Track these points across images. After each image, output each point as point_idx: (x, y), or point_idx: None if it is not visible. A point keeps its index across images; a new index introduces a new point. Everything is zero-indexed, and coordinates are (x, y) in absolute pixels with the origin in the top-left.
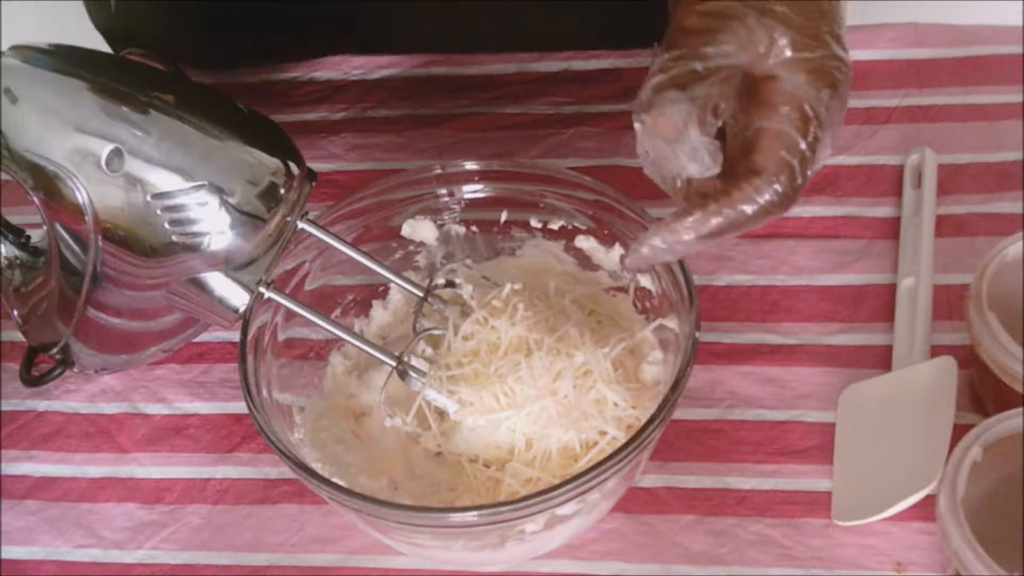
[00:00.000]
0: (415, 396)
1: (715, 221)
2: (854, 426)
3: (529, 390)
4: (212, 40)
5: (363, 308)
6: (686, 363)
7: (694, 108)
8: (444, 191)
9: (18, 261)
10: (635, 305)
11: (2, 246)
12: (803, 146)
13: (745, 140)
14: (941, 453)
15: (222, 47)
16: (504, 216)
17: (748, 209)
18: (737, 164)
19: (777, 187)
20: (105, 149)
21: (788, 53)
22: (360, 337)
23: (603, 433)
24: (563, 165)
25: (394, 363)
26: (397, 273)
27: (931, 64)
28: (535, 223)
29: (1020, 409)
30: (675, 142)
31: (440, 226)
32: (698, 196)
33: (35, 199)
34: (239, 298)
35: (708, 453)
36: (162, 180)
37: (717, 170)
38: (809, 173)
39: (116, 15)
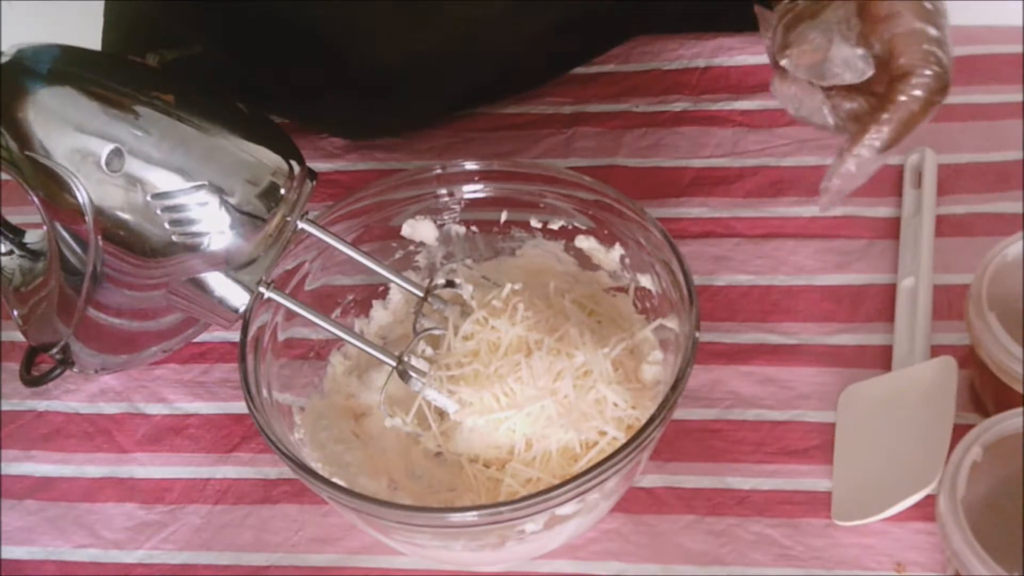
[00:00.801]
0: (415, 396)
1: (888, 129)
2: (854, 426)
3: (529, 390)
4: None
5: (363, 308)
6: (686, 363)
7: (831, 27)
8: (444, 191)
9: (18, 261)
10: (635, 305)
11: (2, 246)
12: (937, 34)
13: (874, 56)
14: (941, 453)
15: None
16: (504, 216)
17: (914, 106)
18: (878, 77)
19: (932, 77)
20: (105, 149)
21: None
22: (360, 337)
23: (603, 433)
24: (563, 165)
25: (394, 363)
26: (397, 273)
27: None
28: (535, 223)
29: (1020, 409)
30: (824, 64)
31: (440, 226)
32: (854, 120)
33: (35, 199)
34: (239, 298)
35: (708, 453)
36: (162, 180)
37: (871, 72)
38: (950, 55)
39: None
